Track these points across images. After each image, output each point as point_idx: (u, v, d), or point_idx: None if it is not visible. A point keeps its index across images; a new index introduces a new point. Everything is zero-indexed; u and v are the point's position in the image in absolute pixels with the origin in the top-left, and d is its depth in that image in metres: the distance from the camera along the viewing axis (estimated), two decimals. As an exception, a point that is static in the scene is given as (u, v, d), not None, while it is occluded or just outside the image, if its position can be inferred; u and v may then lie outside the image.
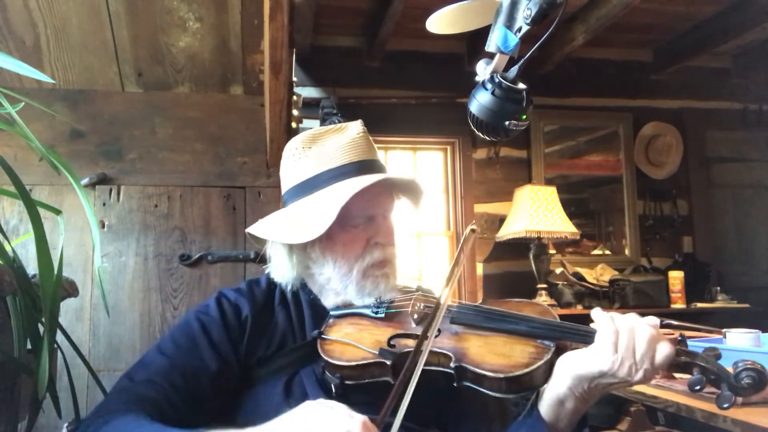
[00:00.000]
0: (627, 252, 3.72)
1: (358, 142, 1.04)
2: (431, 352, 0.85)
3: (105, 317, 2.05)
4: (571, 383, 0.79)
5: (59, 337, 1.17)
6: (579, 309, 3.19)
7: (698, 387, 0.79)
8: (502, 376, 0.79)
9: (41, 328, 1.10)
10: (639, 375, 0.76)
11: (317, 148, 1.03)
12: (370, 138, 1.07)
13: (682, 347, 0.83)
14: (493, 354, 0.84)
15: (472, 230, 0.93)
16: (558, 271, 3.49)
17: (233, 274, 2.19)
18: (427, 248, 3.57)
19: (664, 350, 0.78)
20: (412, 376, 0.75)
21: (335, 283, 1.01)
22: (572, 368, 0.79)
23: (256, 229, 1.04)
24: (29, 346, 1.10)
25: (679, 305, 3.29)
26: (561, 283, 3.37)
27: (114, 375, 1.91)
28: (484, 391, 0.81)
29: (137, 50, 2.10)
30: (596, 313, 0.83)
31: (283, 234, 1.01)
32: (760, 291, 3.64)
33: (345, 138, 1.04)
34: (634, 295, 3.22)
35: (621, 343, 0.77)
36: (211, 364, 0.93)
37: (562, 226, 3.19)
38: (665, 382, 1.45)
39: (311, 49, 3.40)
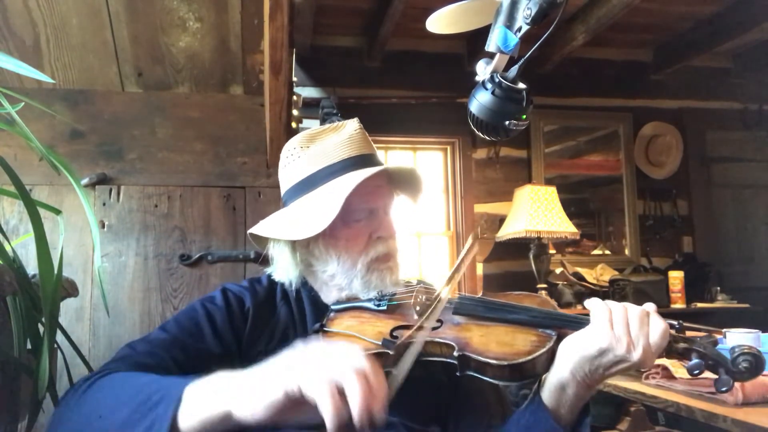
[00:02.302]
0: (627, 252, 3.72)
1: (355, 138, 1.05)
2: (434, 343, 0.86)
3: (105, 317, 2.05)
4: (572, 366, 0.79)
5: (59, 337, 1.17)
6: (579, 309, 3.19)
7: (697, 371, 0.80)
8: (505, 363, 0.80)
9: (41, 328, 1.10)
10: (638, 353, 0.77)
11: (315, 146, 1.04)
12: (367, 134, 1.08)
13: (680, 334, 0.84)
14: (495, 343, 0.84)
15: (475, 236, 0.94)
16: (558, 271, 3.49)
17: (233, 274, 2.19)
18: (427, 248, 3.58)
19: (658, 325, 0.79)
20: (404, 359, 0.76)
21: (340, 279, 1.02)
22: (572, 350, 0.80)
23: (257, 229, 1.05)
24: (29, 346, 1.10)
25: (679, 305, 3.29)
26: (561, 283, 3.37)
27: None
28: (488, 379, 0.82)
29: (137, 50, 2.10)
30: (589, 300, 0.85)
31: (285, 231, 1.01)
32: (760, 291, 3.64)
33: (342, 135, 1.05)
34: (634, 295, 3.21)
35: (615, 318, 0.79)
36: (214, 348, 0.94)
37: (562, 226, 3.19)
38: (665, 382, 1.45)
39: (311, 49, 3.40)
